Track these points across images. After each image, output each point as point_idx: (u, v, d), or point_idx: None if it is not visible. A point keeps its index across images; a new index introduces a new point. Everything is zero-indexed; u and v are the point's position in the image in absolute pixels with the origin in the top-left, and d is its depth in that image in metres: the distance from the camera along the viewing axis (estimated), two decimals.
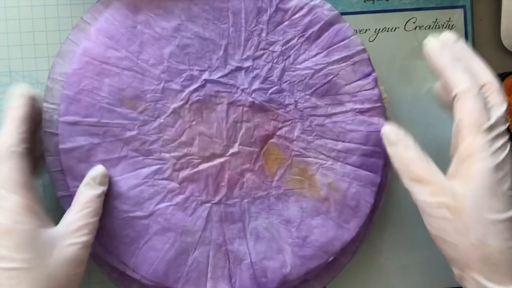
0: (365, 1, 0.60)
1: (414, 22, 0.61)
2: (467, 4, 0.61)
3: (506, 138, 0.47)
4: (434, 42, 0.51)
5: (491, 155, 0.45)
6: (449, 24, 0.61)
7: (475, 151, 0.46)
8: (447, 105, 0.51)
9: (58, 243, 0.46)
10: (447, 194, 0.46)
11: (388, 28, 0.61)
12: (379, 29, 0.60)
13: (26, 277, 0.44)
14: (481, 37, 0.62)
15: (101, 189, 0.50)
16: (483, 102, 0.47)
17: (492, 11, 0.62)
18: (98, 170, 0.51)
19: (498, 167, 0.46)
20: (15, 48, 0.57)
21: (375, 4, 0.60)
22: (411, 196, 0.49)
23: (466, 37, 0.61)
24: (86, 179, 0.51)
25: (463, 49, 0.50)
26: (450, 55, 0.50)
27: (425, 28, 0.61)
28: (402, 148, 0.50)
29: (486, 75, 0.49)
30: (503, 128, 0.47)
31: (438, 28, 0.61)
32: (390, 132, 0.51)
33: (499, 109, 0.47)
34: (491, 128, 0.46)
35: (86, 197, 0.49)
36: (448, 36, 0.51)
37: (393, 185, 0.59)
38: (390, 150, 0.51)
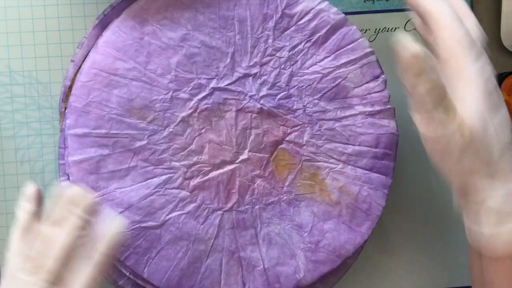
0: (365, 1, 0.60)
1: None
2: (467, 4, 0.61)
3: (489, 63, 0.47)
4: None
5: (486, 80, 0.46)
6: None
7: (470, 76, 0.45)
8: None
9: None
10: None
11: (388, 28, 0.60)
12: (379, 29, 0.60)
13: None
14: None
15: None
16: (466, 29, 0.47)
17: (492, 11, 0.62)
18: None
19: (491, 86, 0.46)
20: (15, 48, 0.58)
21: (375, 4, 0.60)
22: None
23: None
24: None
25: None
26: None
27: None
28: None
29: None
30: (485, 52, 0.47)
31: None
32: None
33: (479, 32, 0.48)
34: (480, 54, 0.46)
35: None
36: None
37: (396, 186, 0.59)
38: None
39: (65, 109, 0.54)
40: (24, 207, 0.47)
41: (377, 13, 0.60)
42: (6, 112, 0.58)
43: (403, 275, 0.62)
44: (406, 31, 0.60)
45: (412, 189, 0.62)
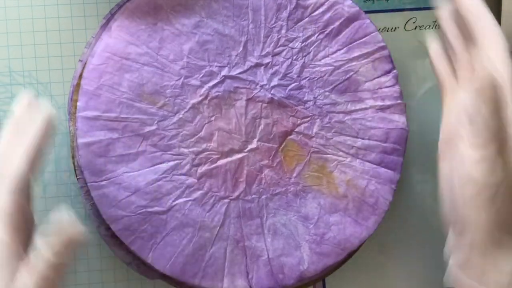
0: (365, 1, 0.60)
1: (414, 22, 0.61)
2: None
3: None
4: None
5: None
6: None
7: None
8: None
9: None
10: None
11: (388, 28, 0.60)
12: (379, 29, 0.60)
13: None
14: None
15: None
16: None
17: (492, 11, 0.61)
18: None
19: None
20: (15, 48, 0.58)
21: (375, 4, 0.60)
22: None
23: None
24: None
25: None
26: None
27: (425, 28, 0.61)
28: None
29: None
30: None
31: (438, 28, 0.60)
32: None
33: None
34: None
35: None
36: None
37: (400, 183, 0.59)
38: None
39: (75, 109, 0.54)
40: None
41: (377, 13, 0.60)
42: (6, 112, 0.58)
43: (403, 275, 0.61)
44: (406, 31, 0.60)
45: (415, 188, 0.62)
